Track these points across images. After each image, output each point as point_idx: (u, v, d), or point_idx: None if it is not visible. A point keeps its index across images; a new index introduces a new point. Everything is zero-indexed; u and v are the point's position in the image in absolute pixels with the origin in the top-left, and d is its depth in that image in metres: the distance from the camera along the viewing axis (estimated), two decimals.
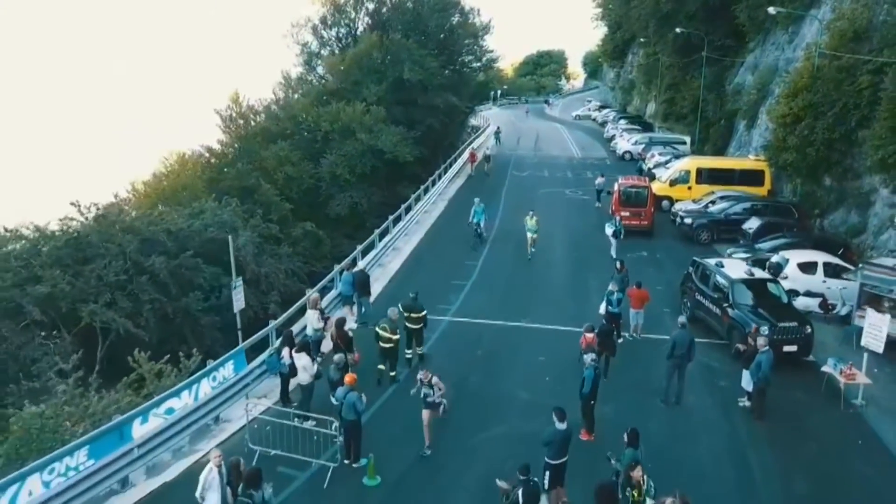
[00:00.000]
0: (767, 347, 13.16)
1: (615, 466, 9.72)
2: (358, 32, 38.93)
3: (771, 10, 28.60)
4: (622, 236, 23.82)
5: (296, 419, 12.16)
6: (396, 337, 14.39)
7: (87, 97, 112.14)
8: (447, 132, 42.08)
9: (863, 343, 14.35)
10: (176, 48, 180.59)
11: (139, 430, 12.14)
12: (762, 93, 35.49)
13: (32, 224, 22.77)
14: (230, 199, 26.77)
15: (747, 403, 13.80)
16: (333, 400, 11.90)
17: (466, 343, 17.14)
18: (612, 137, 55.84)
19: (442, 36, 40.04)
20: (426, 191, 32.11)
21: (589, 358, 12.46)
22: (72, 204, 23.58)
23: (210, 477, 9.28)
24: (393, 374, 14.71)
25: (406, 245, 26.73)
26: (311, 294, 17.75)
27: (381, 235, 25.58)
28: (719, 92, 44.34)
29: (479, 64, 44.47)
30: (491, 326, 18.26)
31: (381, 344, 14.33)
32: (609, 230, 23.93)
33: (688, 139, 45.07)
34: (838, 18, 26.81)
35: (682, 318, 14.75)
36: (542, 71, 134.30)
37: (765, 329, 14.58)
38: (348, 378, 11.74)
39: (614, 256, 22.52)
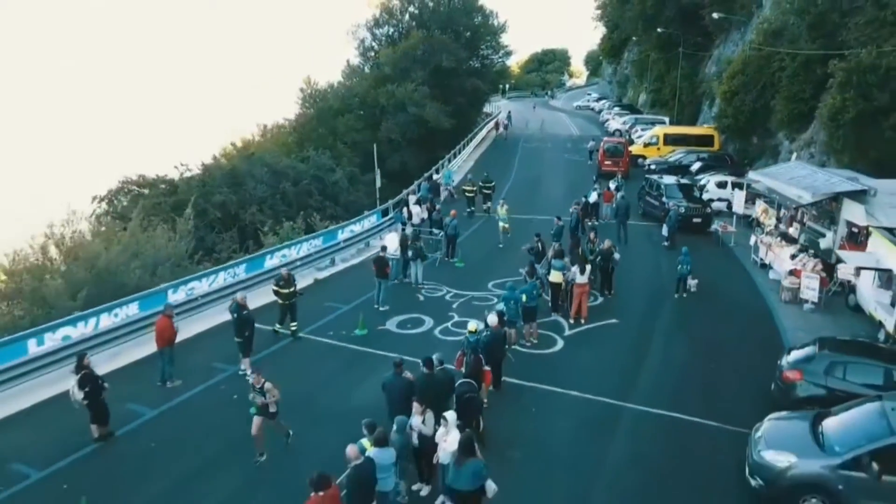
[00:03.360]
0: (672, 211, 23.55)
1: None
2: (402, 31, 49.43)
3: (715, 15, 38.73)
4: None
5: None
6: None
7: (161, 84, 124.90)
8: (471, 109, 52.86)
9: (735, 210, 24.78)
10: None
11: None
12: (719, 79, 45.69)
13: (202, 163, 33.40)
14: (324, 150, 37.22)
15: (665, 243, 24.13)
16: None
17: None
18: (606, 121, 66.06)
19: (468, 33, 50.59)
20: (456, 154, 42.70)
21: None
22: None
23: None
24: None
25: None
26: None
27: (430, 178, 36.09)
28: (692, 81, 54.55)
29: (496, 56, 55.15)
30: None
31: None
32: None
33: (667, 119, 55.18)
34: (763, 22, 37.05)
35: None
36: (547, 68, 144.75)
37: (675, 207, 24.88)
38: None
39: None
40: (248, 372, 13.17)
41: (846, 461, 9.55)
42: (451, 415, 9.78)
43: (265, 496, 10.50)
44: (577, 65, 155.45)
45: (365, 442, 9.34)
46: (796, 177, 21.50)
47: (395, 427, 9.80)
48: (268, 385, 10.93)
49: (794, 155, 30.19)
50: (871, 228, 17.47)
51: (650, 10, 57.12)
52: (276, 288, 16.10)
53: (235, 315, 14.03)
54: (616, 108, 72.54)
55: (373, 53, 50.56)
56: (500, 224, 25.18)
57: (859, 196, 18.64)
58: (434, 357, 11.25)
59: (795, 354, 13.02)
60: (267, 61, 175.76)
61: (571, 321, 17.24)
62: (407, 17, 49.72)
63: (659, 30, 55.60)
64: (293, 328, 16.22)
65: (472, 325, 12.97)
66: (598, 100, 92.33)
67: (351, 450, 8.78)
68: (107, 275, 19.88)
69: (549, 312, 17.51)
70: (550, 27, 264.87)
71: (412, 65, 45.86)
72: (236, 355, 14.76)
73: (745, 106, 35.98)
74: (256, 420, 11.16)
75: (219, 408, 13.21)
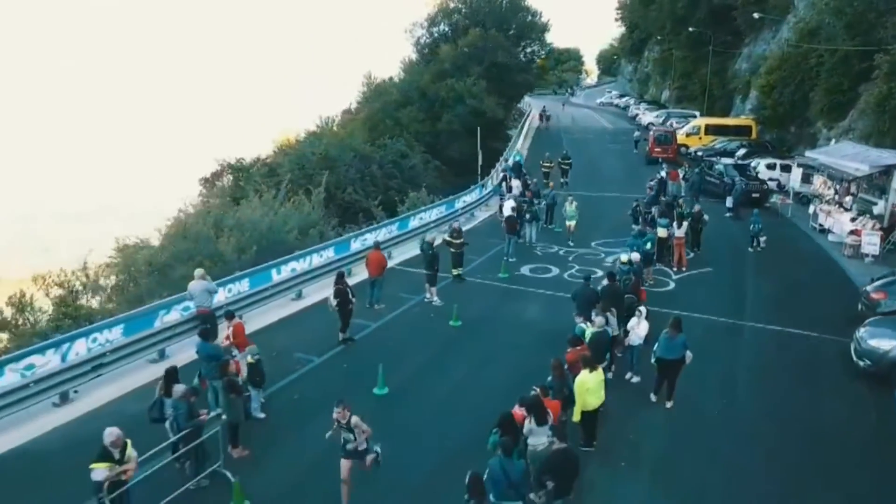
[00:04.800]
0: (738, 184, 27.13)
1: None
2: (455, 28, 53.17)
3: (756, 15, 42.29)
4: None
5: None
6: None
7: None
8: (519, 100, 56.96)
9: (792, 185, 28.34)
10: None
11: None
12: (753, 75, 49.27)
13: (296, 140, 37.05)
14: (399, 138, 40.82)
15: (729, 214, 27.67)
16: None
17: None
18: (636, 115, 69.61)
19: (512, 30, 54.46)
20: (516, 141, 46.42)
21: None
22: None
23: None
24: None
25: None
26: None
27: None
28: (722, 77, 58.11)
29: (542, 52, 58.96)
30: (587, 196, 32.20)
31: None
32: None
33: (697, 113, 58.78)
34: (799, 21, 40.59)
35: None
36: (563, 67, 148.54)
37: (740, 182, 28.48)
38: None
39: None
40: (433, 297, 17.14)
41: None
42: (643, 309, 13.38)
43: (487, 375, 14.03)
44: (589, 64, 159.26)
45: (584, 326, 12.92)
46: (850, 153, 25.07)
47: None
48: (355, 419, 9.09)
49: (833, 141, 33.68)
50: None
51: (681, 10, 60.77)
52: (448, 239, 19.67)
53: (428, 251, 17.60)
54: (643, 104, 76.16)
55: (426, 51, 54.21)
56: (567, 222, 23.95)
57: None
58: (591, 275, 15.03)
59: (878, 282, 16.62)
60: (315, 57, 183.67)
61: (675, 269, 20.81)
62: (460, 15, 53.35)
63: (690, 29, 59.15)
64: (456, 272, 19.76)
65: (624, 256, 16.53)
66: (621, 97, 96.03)
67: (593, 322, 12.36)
68: (269, 234, 23.47)
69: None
70: (560, 28, 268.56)
71: (468, 61, 49.53)
72: (418, 287, 18.41)
73: (783, 98, 39.51)
74: (345, 463, 9.31)
75: (420, 322, 16.88)
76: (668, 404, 12.55)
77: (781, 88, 39.65)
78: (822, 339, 15.78)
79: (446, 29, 53.80)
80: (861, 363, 13.92)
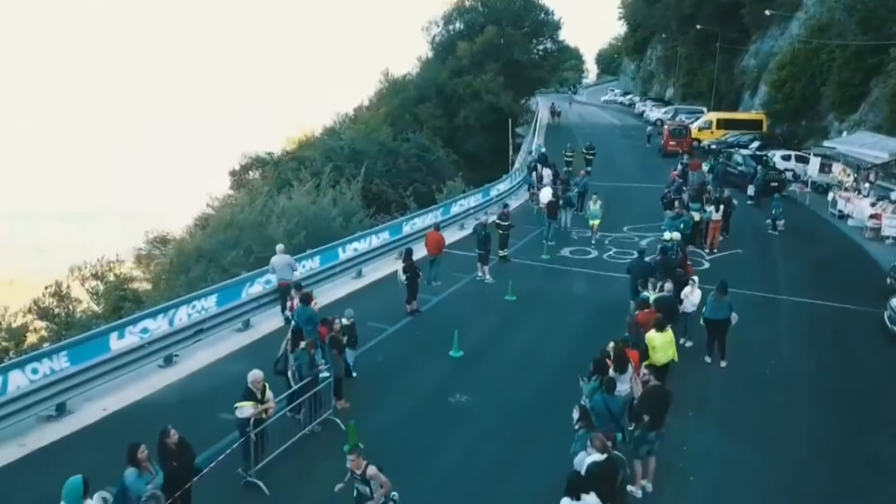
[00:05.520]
0: (760, 173, 28.31)
1: None
2: (470, 26, 54.44)
3: (767, 12, 43.53)
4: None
5: None
6: None
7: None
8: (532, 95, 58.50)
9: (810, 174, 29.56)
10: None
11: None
12: (761, 71, 50.52)
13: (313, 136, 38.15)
14: (420, 133, 41.92)
15: (751, 202, 28.85)
16: None
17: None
18: (643, 112, 70.82)
19: (528, 28, 55.70)
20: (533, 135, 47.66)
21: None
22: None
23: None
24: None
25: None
26: None
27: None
28: (729, 73, 59.35)
29: (554, 50, 60.27)
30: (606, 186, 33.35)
31: None
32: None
33: (705, 108, 59.97)
34: (810, 18, 41.83)
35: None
36: (564, 66, 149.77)
37: (761, 171, 29.68)
38: None
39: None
40: (485, 275, 18.52)
41: None
42: (696, 278, 14.54)
43: (550, 341, 15.16)
44: (588, 63, 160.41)
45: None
46: (868, 143, 26.29)
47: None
48: (372, 470, 7.73)
49: (845, 133, 34.91)
50: None
51: (688, 9, 61.96)
52: (498, 221, 20.81)
53: (481, 233, 18.73)
54: (649, 101, 77.36)
55: (441, 49, 55.41)
56: (591, 221, 23.19)
57: None
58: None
59: None
60: (326, 55, 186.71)
61: (707, 250, 21.97)
62: (476, 13, 54.59)
63: (698, 26, 60.34)
64: (503, 253, 20.88)
65: (667, 235, 17.72)
66: (625, 94, 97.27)
67: None
68: (315, 220, 24.56)
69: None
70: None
71: (485, 57, 50.73)
72: (467, 267, 19.55)
73: (795, 92, 40.73)
74: None
75: (477, 296, 18.09)
76: (723, 363, 13.71)
77: (793, 83, 40.88)
78: (855, 310, 16.93)
79: (461, 27, 54.99)
80: (894, 328, 15.08)
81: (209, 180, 42.40)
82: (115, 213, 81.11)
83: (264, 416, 9.78)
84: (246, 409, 9.55)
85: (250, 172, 38.25)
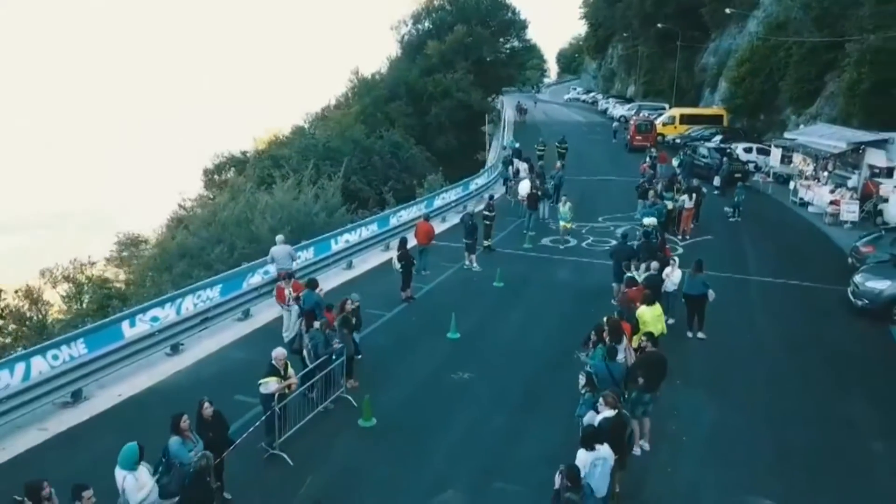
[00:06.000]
0: (725, 164, 29.60)
1: None
2: (439, 25, 55.17)
3: (727, 10, 45.15)
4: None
5: None
6: None
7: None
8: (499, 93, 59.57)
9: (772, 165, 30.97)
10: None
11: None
12: (721, 68, 52.28)
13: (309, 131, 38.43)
14: (395, 130, 42.44)
15: (716, 192, 30.11)
16: None
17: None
18: (606, 109, 72.39)
19: (495, 27, 56.72)
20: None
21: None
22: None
23: None
24: None
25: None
26: None
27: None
28: (689, 70, 61.15)
29: (521, 48, 61.47)
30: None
31: None
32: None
33: (667, 105, 61.68)
34: (768, 16, 43.55)
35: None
36: (527, 65, 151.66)
37: (726, 163, 30.99)
38: None
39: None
40: (472, 264, 19.15)
41: None
42: (676, 258, 15.46)
43: (540, 322, 15.93)
44: (548, 62, 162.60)
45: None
46: (826, 133, 27.73)
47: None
48: None
49: (802, 126, 36.56)
50: None
51: (650, 7, 63.59)
52: (485, 212, 21.48)
53: (469, 222, 19.40)
54: (612, 99, 79.06)
55: (410, 48, 56.00)
56: (562, 223, 22.92)
57: (881, 144, 24.91)
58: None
59: (866, 238, 19.09)
60: (292, 55, 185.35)
61: (680, 237, 23.04)
62: (444, 12, 55.37)
63: (659, 25, 62.00)
64: (487, 243, 21.59)
65: (647, 221, 18.67)
66: (587, 92, 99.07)
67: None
68: (299, 216, 24.94)
69: None
70: None
71: (455, 56, 51.50)
72: (453, 257, 20.23)
73: (753, 88, 42.40)
74: None
75: (466, 284, 18.74)
76: (700, 335, 14.70)
77: (752, 79, 42.55)
78: (821, 288, 18.11)
79: (430, 26, 55.67)
80: (859, 303, 16.23)
81: (176, 181, 42.42)
82: (76, 216, 79.53)
83: (287, 391, 10.30)
84: (271, 384, 10.05)
85: (223, 172, 38.29)
